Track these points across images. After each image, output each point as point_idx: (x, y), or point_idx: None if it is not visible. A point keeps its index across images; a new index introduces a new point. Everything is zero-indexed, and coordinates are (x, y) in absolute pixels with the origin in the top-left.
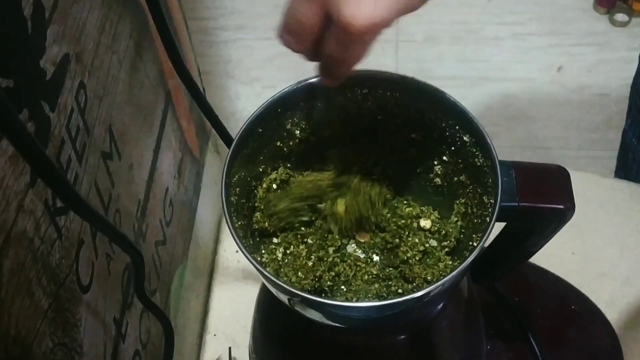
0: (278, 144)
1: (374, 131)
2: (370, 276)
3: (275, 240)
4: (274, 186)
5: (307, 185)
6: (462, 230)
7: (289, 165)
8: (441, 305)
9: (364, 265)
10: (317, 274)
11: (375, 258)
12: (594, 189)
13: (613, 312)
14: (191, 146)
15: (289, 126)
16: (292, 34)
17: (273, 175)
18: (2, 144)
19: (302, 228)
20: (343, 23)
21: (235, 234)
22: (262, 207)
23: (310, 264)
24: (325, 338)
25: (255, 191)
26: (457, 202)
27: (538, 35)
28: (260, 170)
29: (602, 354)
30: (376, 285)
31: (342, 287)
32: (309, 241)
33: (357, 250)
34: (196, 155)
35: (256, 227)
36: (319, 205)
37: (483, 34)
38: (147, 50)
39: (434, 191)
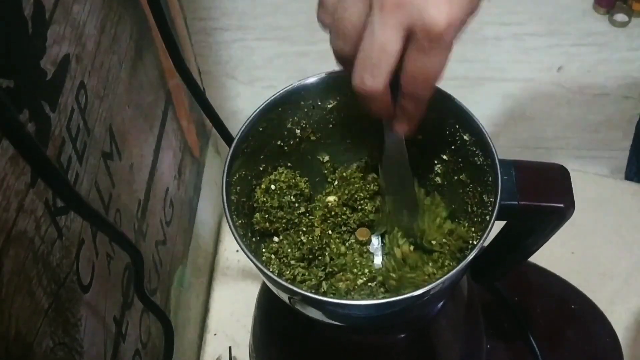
0: (278, 143)
1: (374, 131)
2: (365, 274)
3: (275, 239)
4: (273, 187)
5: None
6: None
7: (289, 164)
8: (441, 304)
9: (358, 260)
10: (315, 273)
11: (377, 261)
12: (594, 189)
13: (613, 312)
14: (191, 146)
15: (289, 125)
16: (370, 68)
17: (273, 176)
18: (3, 144)
19: (303, 227)
20: (427, 27)
21: (236, 233)
22: (262, 209)
23: (307, 262)
24: (326, 337)
25: (255, 191)
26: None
27: (538, 36)
28: (261, 169)
29: (602, 354)
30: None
31: (332, 281)
32: (309, 238)
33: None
34: (196, 155)
35: (257, 227)
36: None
37: (483, 34)
38: (148, 50)
39: (434, 190)
